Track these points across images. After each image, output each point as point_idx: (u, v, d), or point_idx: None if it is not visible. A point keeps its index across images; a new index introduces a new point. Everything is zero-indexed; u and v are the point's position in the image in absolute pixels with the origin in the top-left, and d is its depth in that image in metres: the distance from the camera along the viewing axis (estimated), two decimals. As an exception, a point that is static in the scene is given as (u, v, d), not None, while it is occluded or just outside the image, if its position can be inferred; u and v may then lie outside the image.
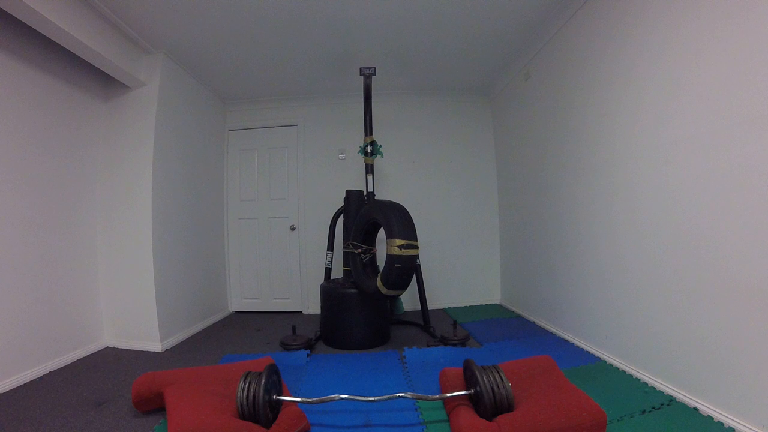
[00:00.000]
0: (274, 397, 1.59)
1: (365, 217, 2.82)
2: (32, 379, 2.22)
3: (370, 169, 3.17)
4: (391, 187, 4.04)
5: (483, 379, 1.54)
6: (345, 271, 3.16)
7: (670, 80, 1.79)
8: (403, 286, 2.55)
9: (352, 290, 2.82)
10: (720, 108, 1.54)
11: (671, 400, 1.76)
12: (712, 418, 1.57)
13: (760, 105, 1.39)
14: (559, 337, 2.82)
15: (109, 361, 2.56)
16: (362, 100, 3.17)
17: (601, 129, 2.31)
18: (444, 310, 3.93)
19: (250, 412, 1.50)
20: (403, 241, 2.42)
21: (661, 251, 1.86)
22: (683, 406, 1.69)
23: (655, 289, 1.92)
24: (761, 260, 1.40)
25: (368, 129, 3.15)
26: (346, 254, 3.13)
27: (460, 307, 4.02)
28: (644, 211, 1.97)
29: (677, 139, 1.75)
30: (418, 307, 3.34)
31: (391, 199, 2.85)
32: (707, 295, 1.63)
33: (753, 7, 1.41)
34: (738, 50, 1.47)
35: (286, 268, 4.11)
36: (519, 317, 3.51)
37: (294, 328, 2.84)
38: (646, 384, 1.94)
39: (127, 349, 2.80)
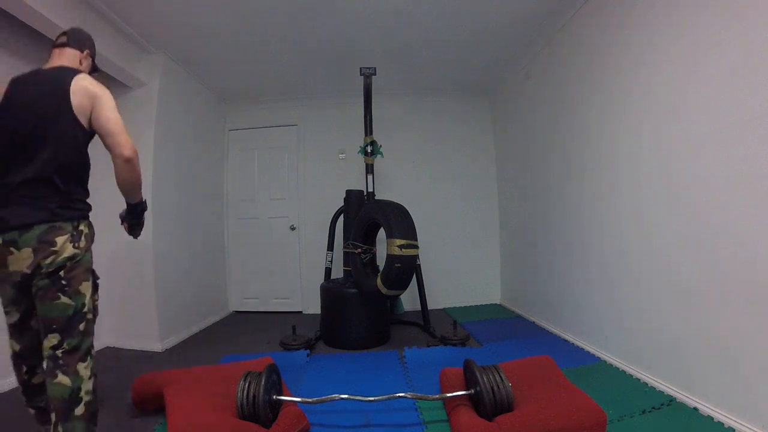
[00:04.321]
0: (274, 397, 1.59)
1: (365, 217, 2.82)
2: (32, 379, 2.22)
3: (370, 169, 3.17)
4: (391, 187, 4.04)
5: (483, 379, 1.53)
6: (345, 271, 3.16)
7: (675, 78, 1.78)
8: (403, 286, 2.55)
9: (352, 290, 2.81)
10: (725, 106, 1.54)
11: (671, 400, 1.76)
12: (712, 418, 1.57)
13: (766, 103, 1.38)
14: (559, 337, 2.82)
15: (109, 361, 2.56)
16: (362, 100, 3.17)
17: (604, 127, 2.31)
18: (444, 310, 3.93)
19: (250, 412, 1.50)
20: (403, 241, 2.41)
21: (666, 250, 1.86)
22: (683, 406, 1.69)
23: (657, 288, 1.91)
24: (763, 259, 1.40)
25: (368, 129, 3.15)
26: (346, 254, 3.13)
27: (460, 307, 4.02)
28: (649, 211, 1.97)
29: (682, 137, 1.75)
30: (418, 307, 3.34)
31: (391, 199, 2.85)
32: (709, 294, 1.63)
33: (758, 5, 1.40)
34: (742, 49, 1.47)
35: (286, 268, 4.10)
36: (519, 317, 3.51)
37: (294, 328, 2.84)
38: (646, 384, 1.94)
39: (126, 349, 2.80)
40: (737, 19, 1.48)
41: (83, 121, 1.36)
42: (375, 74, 3.12)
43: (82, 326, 1.31)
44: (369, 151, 3.13)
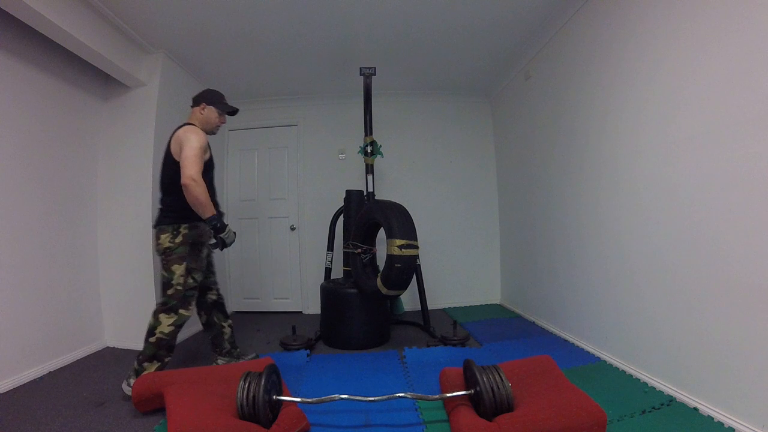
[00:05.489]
0: (274, 397, 1.59)
1: (365, 217, 2.82)
2: (32, 379, 2.22)
3: (370, 169, 3.17)
4: (391, 187, 4.04)
5: (483, 379, 1.53)
6: (345, 271, 3.16)
7: (674, 78, 1.78)
8: (403, 286, 2.55)
9: (352, 290, 2.81)
10: (725, 106, 1.54)
11: (671, 400, 1.76)
12: (712, 418, 1.57)
13: (765, 104, 1.38)
14: (559, 337, 2.82)
15: (109, 361, 2.56)
16: (362, 100, 3.17)
17: (604, 128, 2.31)
18: (444, 310, 3.93)
19: (250, 412, 1.50)
20: (403, 241, 2.41)
21: (665, 250, 1.86)
22: (683, 406, 1.69)
23: (658, 288, 1.91)
24: (763, 260, 1.40)
25: (368, 129, 3.15)
26: (346, 254, 3.13)
27: (460, 307, 4.03)
28: (649, 210, 1.97)
29: (682, 137, 1.75)
30: (418, 307, 3.34)
31: (391, 199, 2.85)
32: (709, 294, 1.63)
33: (758, 4, 1.40)
34: (742, 48, 1.47)
35: (286, 268, 4.10)
36: (519, 317, 3.51)
37: (294, 328, 2.84)
38: (646, 384, 1.94)
39: (127, 349, 2.80)
40: (737, 18, 1.48)
41: (178, 159, 2.01)
42: (375, 74, 3.12)
43: (170, 291, 2.02)
44: (369, 151, 3.13)
